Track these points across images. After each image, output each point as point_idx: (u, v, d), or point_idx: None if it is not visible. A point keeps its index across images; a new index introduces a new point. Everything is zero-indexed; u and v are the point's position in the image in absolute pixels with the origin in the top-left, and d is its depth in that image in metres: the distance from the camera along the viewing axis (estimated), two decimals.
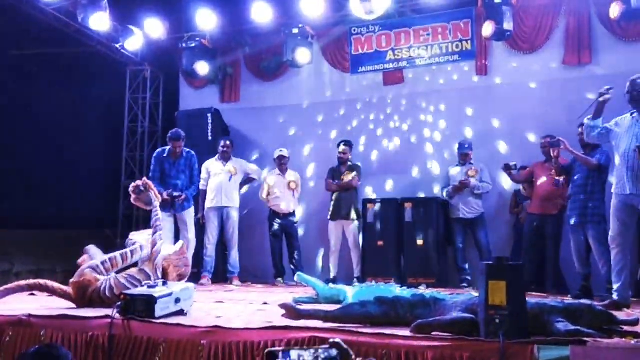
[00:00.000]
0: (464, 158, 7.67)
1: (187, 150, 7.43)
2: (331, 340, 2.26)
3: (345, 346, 2.22)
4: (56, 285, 4.56)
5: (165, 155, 7.28)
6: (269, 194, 8.23)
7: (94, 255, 4.70)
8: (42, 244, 10.93)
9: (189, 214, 7.27)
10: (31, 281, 4.55)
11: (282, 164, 8.25)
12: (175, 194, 7.03)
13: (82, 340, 3.70)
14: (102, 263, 4.67)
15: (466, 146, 7.68)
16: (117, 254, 4.83)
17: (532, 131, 7.73)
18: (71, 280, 4.52)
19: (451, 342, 3.11)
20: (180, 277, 4.96)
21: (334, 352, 2.21)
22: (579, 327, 3.17)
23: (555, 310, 3.30)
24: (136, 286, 4.39)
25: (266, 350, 2.13)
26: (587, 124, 5.24)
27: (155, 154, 7.38)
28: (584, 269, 6.19)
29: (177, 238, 7.04)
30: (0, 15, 8.99)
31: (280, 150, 8.29)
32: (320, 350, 2.20)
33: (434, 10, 8.42)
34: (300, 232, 8.47)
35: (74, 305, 4.45)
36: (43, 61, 11.02)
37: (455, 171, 7.70)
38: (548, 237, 6.78)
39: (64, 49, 10.09)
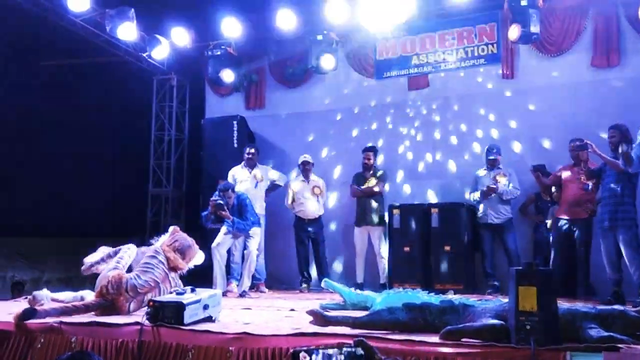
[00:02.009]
0: (492, 163, 7.59)
1: (239, 194, 7.41)
2: (356, 338, 2.25)
3: (369, 344, 2.21)
4: (88, 302, 4.62)
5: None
6: (293, 200, 8.25)
7: (42, 297, 4.81)
8: (71, 252, 11.08)
9: (254, 232, 7.30)
10: (74, 304, 4.59)
11: (306, 169, 8.26)
12: (222, 201, 7.02)
13: (112, 346, 3.73)
14: (117, 261, 4.84)
15: (494, 151, 7.61)
16: (123, 255, 4.97)
17: (560, 135, 7.59)
18: (101, 284, 4.59)
19: (481, 349, 3.07)
20: (181, 253, 4.99)
21: (359, 350, 2.21)
22: (612, 334, 3.11)
23: (587, 316, 3.25)
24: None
25: (291, 351, 2.14)
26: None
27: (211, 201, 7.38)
28: (615, 274, 6.08)
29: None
30: (30, 27, 9.19)
31: (304, 156, 8.31)
32: (345, 349, 2.20)
33: (459, 14, 8.37)
34: (326, 238, 8.45)
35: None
36: (72, 71, 11.23)
37: (483, 176, 7.63)
38: (578, 242, 6.66)
39: (92, 59, 10.26)
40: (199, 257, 5.22)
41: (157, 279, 4.69)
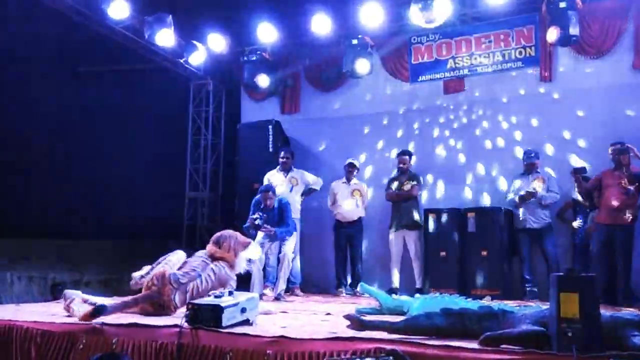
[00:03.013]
0: (530, 167, 7.49)
1: (280, 198, 7.44)
2: (390, 348, 2.24)
3: (402, 354, 2.20)
4: (137, 296, 4.75)
5: (261, 206, 7.33)
6: (334, 202, 8.29)
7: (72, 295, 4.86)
8: (110, 254, 11.28)
9: (292, 238, 7.38)
10: (124, 300, 4.70)
11: (349, 172, 8.28)
12: (259, 222, 7.05)
13: (152, 348, 3.78)
14: (166, 262, 4.98)
15: (532, 155, 7.51)
16: (172, 257, 5.10)
17: (600, 138, 7.44)
18: (147, 279, 4.77)
19: (521, 356, 3.02)
20: (216, 243, 5.14)
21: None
22: None
23: (630, 324, 3.17)
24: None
25: None
26: None
27: (253, 201, 7.45)
28: None
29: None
30: (70, 34, 9.39)
31: (350, 160, 8.35)
32: (382, 357, 2.19)
33: (496, 17, 8.29)
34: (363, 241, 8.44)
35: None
36: (110, 77, 11.44)
37: (521, 180, 7.53)
38: (618, 248, 6.53)
39: (130, 65, 10.45)
40: (250, 250, 5.28)
41: (196, 268, 4.87)
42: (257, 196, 7.47)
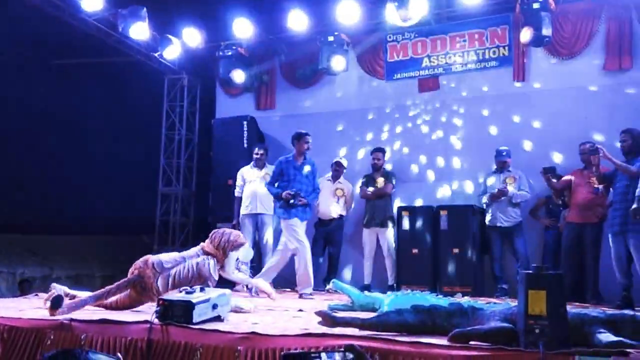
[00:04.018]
0: (501, 165, 7.57)
1: (309, 158, 7.21)
2: (346, 343, 2.24)
3: (359, 349, 2.20)
4: (119, 282, 4.70)
5: (290, 159, 7.05)
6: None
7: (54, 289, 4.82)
8: (81, 250, 11.16)
9: (295, 222, 7.04)
10: (105, 288, 4.66)
11: (335, 170, 8.31)
12: (297, 194, 6.80)
13: (121, 344, 3.73)
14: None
15: (504, 153, 7.58)
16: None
17: (571, 138, 7.54)
18: (133, 266, 4.77)
19: (490, 352, 3.06)
20: (210, 238, 5.12)
21: (349, 355, 2.20)
22: (621, 338, 3.09)
23: (596, 321, 3.23)
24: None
25: (282, 354, 2.14)
26: None
27: (277, 163, 7.14)
28: (625, 279, 6.04)
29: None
30: (43, 26, 9.25)
31: (339, 158, 8.39)
32: (336, 355, 2.19)
33: (470, 16, 8.37)
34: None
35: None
36: (84, 71, 11.29)
37: (493, 179, 7.60)
38: (587, 247, 6.63)
39: (104, 58, 10.32)
40: (242, 251, 5.21)
41: (184, 255, 4.89)
42: (281, 158, 7.12)
